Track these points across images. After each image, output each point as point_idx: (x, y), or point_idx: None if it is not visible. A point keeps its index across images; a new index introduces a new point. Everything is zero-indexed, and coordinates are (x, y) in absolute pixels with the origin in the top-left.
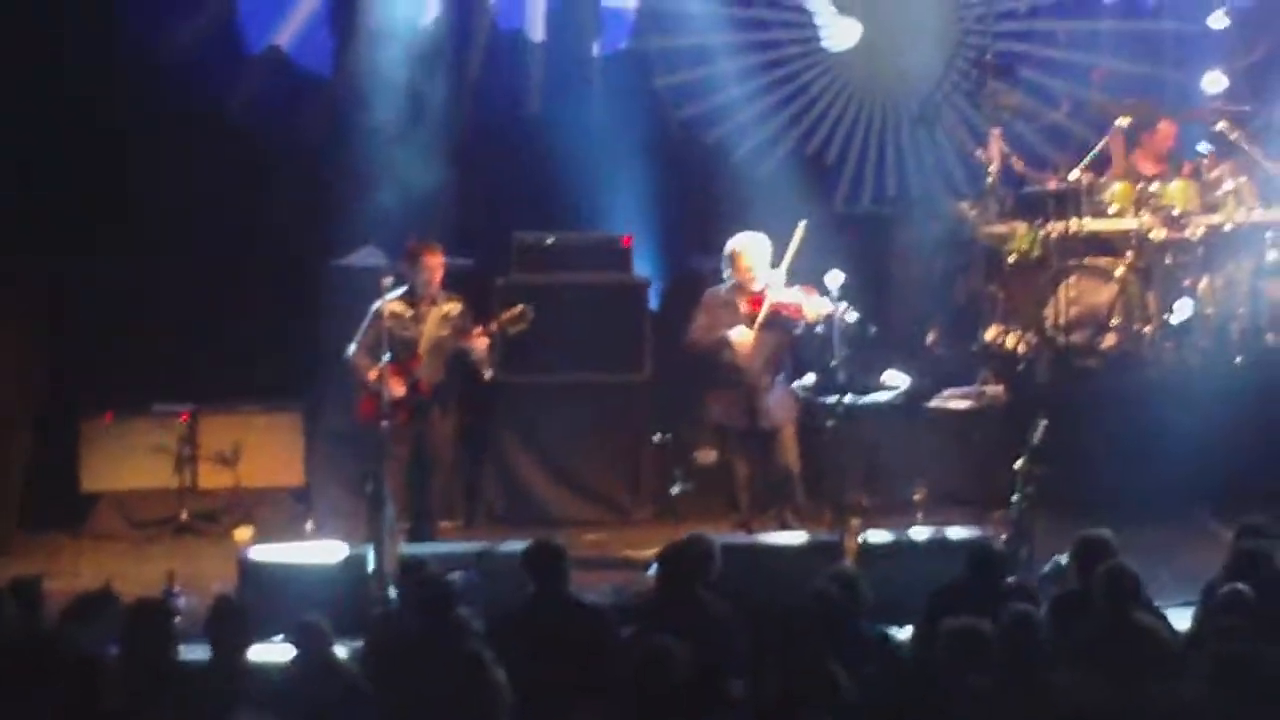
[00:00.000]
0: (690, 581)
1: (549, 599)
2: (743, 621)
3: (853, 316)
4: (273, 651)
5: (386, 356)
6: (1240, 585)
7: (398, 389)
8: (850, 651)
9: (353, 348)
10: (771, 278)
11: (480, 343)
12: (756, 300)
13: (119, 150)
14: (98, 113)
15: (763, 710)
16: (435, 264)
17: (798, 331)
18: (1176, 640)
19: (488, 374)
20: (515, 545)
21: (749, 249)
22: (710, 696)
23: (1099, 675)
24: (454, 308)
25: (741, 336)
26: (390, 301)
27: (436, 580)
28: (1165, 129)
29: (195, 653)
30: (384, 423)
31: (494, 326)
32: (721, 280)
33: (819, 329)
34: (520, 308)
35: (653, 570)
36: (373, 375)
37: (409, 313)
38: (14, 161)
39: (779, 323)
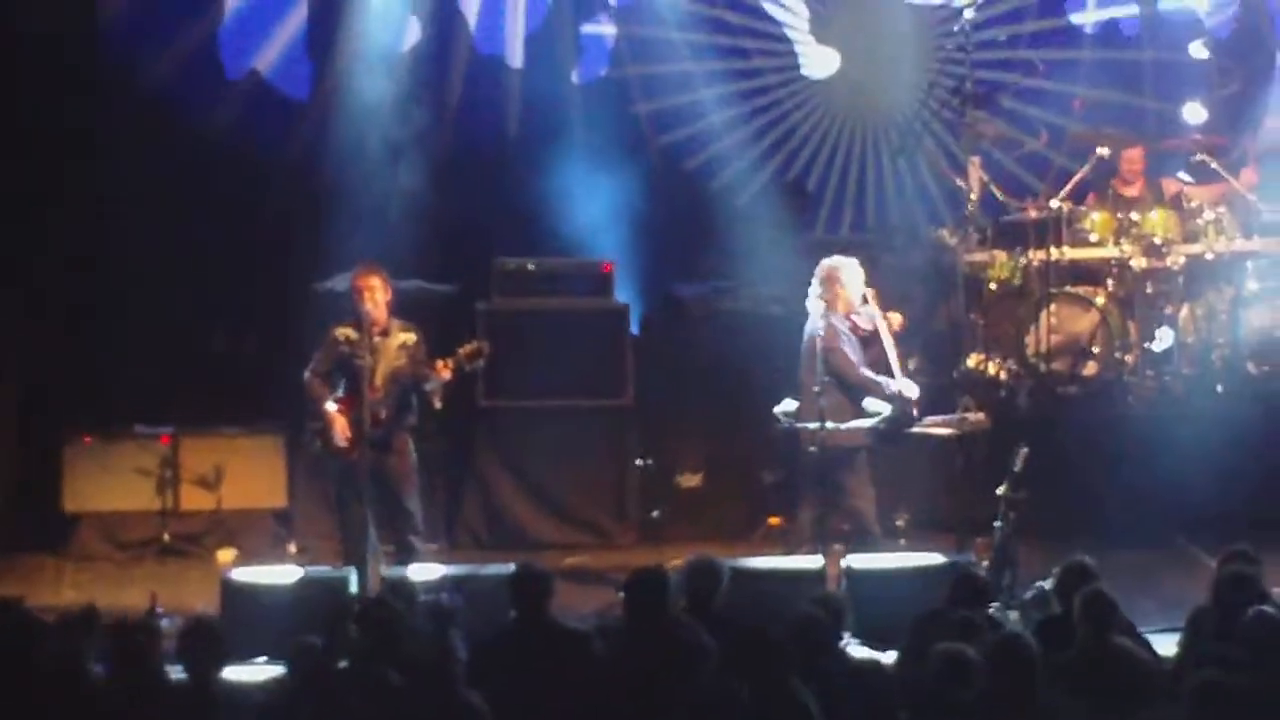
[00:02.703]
0: (656, 607)
1: (531, 624)
2: (713, 649)
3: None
4: (258, 672)
5: (341, 388)
6: (1226, 611)
7: (344, 433)
8: (833, 676)
9: (308, 375)
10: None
11: (444, 375)
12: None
13: (100, 174)
14: (78, 137)
15: None
16: (364, 286)
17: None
18: (1159, 665)
19: (438, 404)
20: (498, 568)
21: (856, 269)
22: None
23: (1080, 700)
24: (409, 337)
25: (910, 390)
26: (342, 328)
27: (381, 606)
28: (1131, 154)
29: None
30: (352, 455)
31: (451, 361)
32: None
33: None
34: (476, 343)
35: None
36: (329, 408)
37: (362, 341)
38: None
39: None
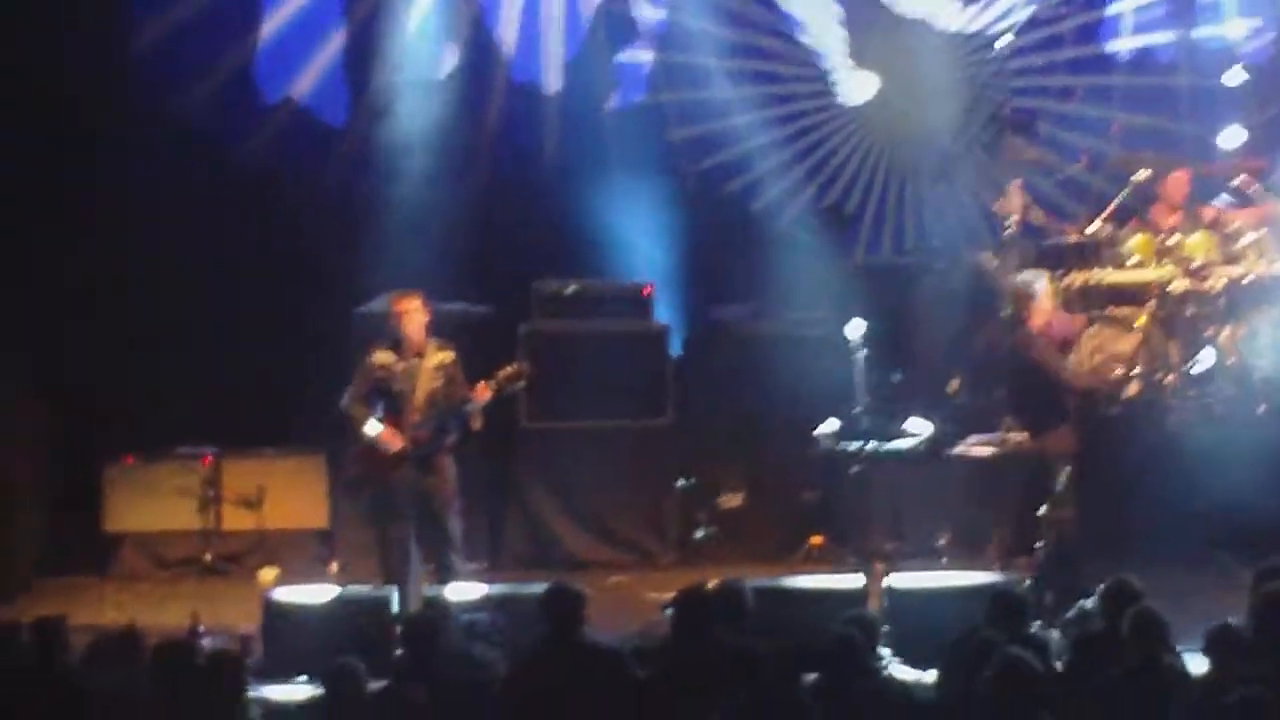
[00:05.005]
0: (704, 625)
1: (563, 642)
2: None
3: None
4: (297, 692)
5: (380, 411)
6: (1265, 627)
7: (394, 443)
8: (868, 695)
9: (346, 399)
10: None
11: (484, 396)
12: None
13: (144, 200)
14: (115, 163)
15: None
16: (403, 311)
17: None
18: (1201, 683)
19: (477, 424)
20: (539, 588)
21: (1044, 280)
22: None
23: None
24: (446, 357)
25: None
26: (380, 352)
27: (424, 625)
28: (1177, 177)
29: None
30: (391, 475)
31: (492, 384)
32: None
33: None
34: (517, 365)
35: (668, 613)
36: (368, 429)
37: (399, 365)
38: (40, 207)
39: None
